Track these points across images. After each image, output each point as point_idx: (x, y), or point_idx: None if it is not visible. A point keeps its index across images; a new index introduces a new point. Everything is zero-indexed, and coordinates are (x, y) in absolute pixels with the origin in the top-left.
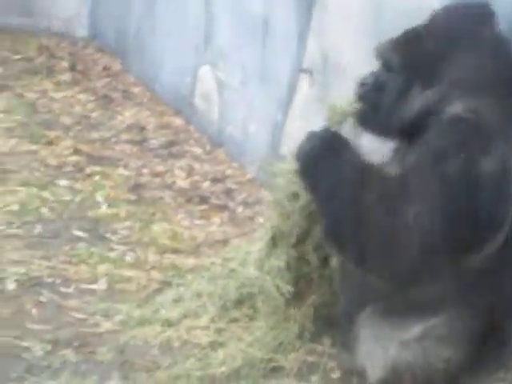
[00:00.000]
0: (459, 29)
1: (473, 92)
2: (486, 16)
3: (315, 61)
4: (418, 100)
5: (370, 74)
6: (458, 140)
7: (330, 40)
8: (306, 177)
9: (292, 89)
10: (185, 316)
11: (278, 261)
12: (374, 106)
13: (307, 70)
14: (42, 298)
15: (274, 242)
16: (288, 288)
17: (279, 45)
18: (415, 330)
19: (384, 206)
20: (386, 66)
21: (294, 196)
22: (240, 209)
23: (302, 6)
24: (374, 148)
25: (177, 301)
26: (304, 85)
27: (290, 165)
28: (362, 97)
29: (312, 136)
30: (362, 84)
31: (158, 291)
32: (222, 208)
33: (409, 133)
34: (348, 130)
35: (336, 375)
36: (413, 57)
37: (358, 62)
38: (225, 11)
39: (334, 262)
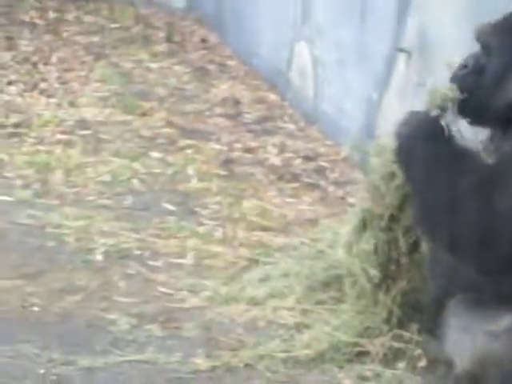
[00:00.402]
0: None
1: None
2: None
3: (414, 40)
4: None
5: (469, 56)
6: None
7: (429, 18)
8: (403, 159)
9: (389, 68)
10: (271, 295)
11: (367, 244)
12: (472, 89)
13: (405, 49)
14: (129, 271)
15: (365, 224)
16: (375, 272)
17: (377, 22)
18: (505, 321)
19: (478, 194)
20: (485, 49)
21: (390, 176)
22: (331, 188)
23: None
24: (472, 135)
25: (263, 279)
26: (402, 64)
27: (386, 144)
28: (460, 80)
29: (412, 118)
30: (462, 66)
31: (246, 269)
32: (314, 187)
33: (506, 120)
34: (448, 115)
35: (422, 363)
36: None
37: (458, 42)
38: None
39: (425, 247)
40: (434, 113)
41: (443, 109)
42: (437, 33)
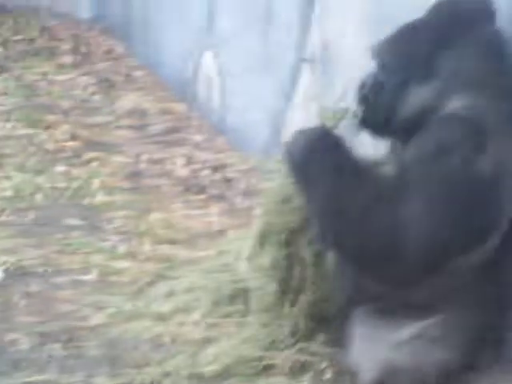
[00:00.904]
0: (457, 24)
1: (469, 89)
2: (486, 13)
3: (317, 49)
4: (416, 98)
5: (367, 76)
6: (453, 138)
7: (332, 28)
8: (299, 174)
9: (294, 77)
10: (176, 310)
11: (269, 258)
12: (373, 107)
13: (309, 58)
14: (31, 289)
15: (264, 238)
16: (275, 286)
17: (282, 32)
18: (409, 330)
19: (381, 205)
20: (383, 66)
21: (287, 198)
22: (239, 199)
23: None
24: (371, 147)
25: (169, 294)
26: (306, 74)
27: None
28: (361, 98)
29: (303, 134)
30: (361, 86)
31: (151, 284)
32: (221, 198)
33: (407, 132)
34: (341, 129)
35: (328, 375)
36: (408, 54)
37: (360, 51)
38: None
39: (329, 259)
40: (328, 126)
41: (335, 125)
42: (340, 43)
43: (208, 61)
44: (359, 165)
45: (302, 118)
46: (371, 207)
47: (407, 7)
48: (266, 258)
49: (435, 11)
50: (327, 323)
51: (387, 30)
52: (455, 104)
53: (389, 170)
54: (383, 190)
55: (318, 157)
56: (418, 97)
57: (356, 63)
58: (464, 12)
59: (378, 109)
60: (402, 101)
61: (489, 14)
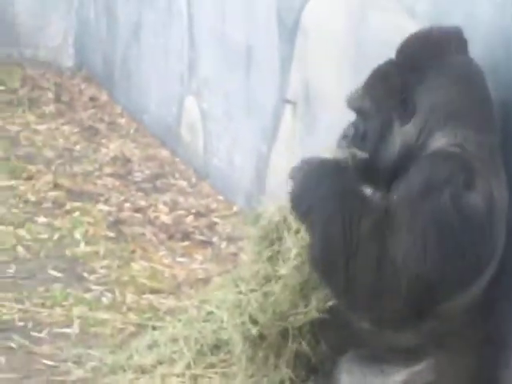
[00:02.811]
0: (429, 57)
1: (450, 124)
2: (457, 42)
3: (299, 91)
4: (399, 139)
5: (348, 126)
6: (443, 175)
7: (312, 69)
8: (298, 201)
9: (276, 119)
10: (159, 362)
11: (251, 307)
12: (357, 157)
13: (291, 100)
14: (11, 344)
15: (247, 285)
16: (256, 337)
17: (263, 74)
18: (398, 377)
19: (371, 241)
20: (362, 114)
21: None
22: (224, 244)
23: (284, 34)
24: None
25: (152, 346)
26: (288, 115)
27: (263, 212)
28: (344, 148)
29: (306, 163)
30: (343, 137)
31: (134, 335)
32: (206, 244)
33: (393, 173)
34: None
35: None
36: (384, 96)
37: (341, 92)
38: (208, 40)
39: (315, 305)
40: (327, 157)
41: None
42: (320, 84)
43: (191, 106)
44: (357, 193)
45: (285, 160)
46: (370, 237)
47: (387, 47)
48: (251, 306)
49: (406, 47)
50: (314, 372)
51: (367, 69)
52: (440, 141)
53: (379, 207)
54: (376, 224)
55: (322, 184)
56: (401, 137)
57: (337, 103)
58: (435, 44)
59: (364, 158)
60: (386, 145)
61: (460, 44)
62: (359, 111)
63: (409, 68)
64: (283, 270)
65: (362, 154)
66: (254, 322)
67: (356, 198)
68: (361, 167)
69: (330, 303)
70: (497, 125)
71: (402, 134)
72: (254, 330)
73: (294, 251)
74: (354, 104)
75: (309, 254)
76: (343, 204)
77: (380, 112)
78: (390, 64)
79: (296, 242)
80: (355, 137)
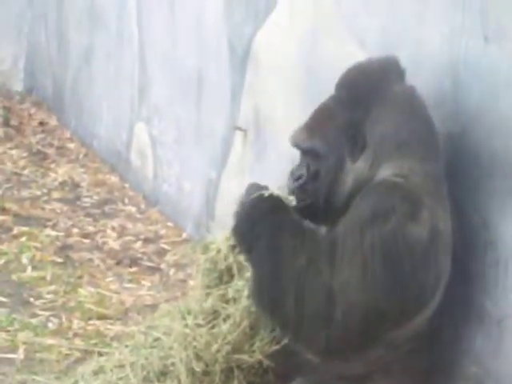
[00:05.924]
0: (370, 89)
1: (395, 155)
2: (395, 72)
3: (249, 118)
4: (351, 175)
5: (298, 167)
6: (387, 205)
7: (263, 97)
8: (242, 236)
9: (227, 146)
10: None
11: (197, 343)
12: (314, 197)
13: (241, 127)
14: None
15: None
16: (201, 366)
17: (213, 101)
18: None
19: (317, 271)
20: (313, 154)
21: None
22: (172, 271)
23: (235, 62)
24: None
25: (98, 372)
26: (238, 142)
27: (212, 242)
28: (298, 190)
29: (249, 196)
30: (296, 178)
31: (80, 361)
32: (154, 270)
33: (345, 207)
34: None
35: None
36: (334, 135)
37: (291, 120)
38: (159, 66)
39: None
40: (271, 191)
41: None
42: (270, 111)
43: (141, 131)
44: (300, 229)
45: (235, 186)
46: (306, 272)
47: (338, 75)
48: (194, 342)
49: (346, 82)
50: None
51: (318, 97)
52: (386, 171)
53: (325, 237)
54: (316, 256)
55: (264, 220)
56: (352, 175)
57: (288, 131)
58: (375, 75)
59: (318, 198)
60: (339, 181)
61: (398, 72)
62: (311, 152)
63: (353, 103)
64: (232, 309)
65: (301, 203)
66: (199, 358)
67: (292, 236)
68: (311, 208)
69: (276, 347)
70: (441, 152)
71: (353, 171)
72: (198, 367)
73: (245, 292)
74: (303, 144)
75: (249, 291)
76: (277, 242)
77: (332, 152)
78: (333, 100)
79: (247, 283)
80: (309, 177)
